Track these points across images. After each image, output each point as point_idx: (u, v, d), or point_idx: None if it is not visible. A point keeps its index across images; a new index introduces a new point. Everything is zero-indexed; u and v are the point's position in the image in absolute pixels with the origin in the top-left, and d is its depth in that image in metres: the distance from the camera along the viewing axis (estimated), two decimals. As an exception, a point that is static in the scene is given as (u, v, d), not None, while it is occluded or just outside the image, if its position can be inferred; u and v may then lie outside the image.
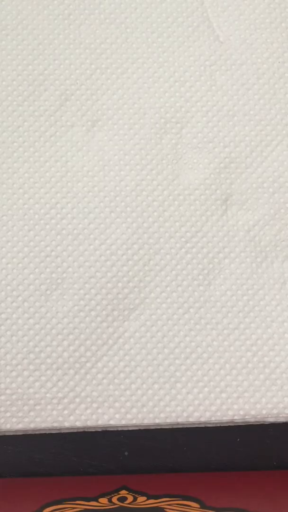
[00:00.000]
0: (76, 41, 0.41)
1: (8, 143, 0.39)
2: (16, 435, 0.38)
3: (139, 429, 0.38)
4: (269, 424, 0.38)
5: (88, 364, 0.37)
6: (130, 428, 0.37)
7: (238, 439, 0.38)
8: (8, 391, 0.37)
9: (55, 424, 0.37)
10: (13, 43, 0.41)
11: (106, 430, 0.38)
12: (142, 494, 0.36)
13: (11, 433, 0.37)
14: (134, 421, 0.37)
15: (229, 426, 0.38)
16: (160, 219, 0.39)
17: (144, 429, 0.38)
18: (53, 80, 0.40)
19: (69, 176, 0.39)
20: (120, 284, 0.38)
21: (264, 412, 0.37)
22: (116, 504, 0.35)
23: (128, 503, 0.35)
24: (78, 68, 0.40)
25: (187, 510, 0.34)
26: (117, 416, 0.37)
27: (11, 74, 0.40)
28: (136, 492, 0.36)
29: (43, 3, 0.41)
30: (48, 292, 0.38)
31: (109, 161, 0.39)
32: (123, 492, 0.36)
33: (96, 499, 0.35)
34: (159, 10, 0.41)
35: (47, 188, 0.39)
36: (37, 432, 0.37)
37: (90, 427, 0.37)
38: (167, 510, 0.34)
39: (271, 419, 0.37)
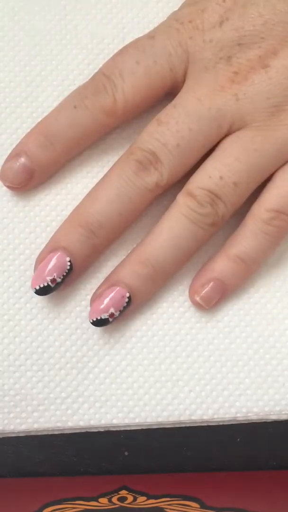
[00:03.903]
0: (73, 41, 0.40)
1: (6, 145, 0.39)
2: (17, 435, 0.38)
3: (139, 429, 0.38)
4: (269, 424, 0.38)
5: (91, 364, 0.38)
6: (133, 427, 0.38)
7: (238, 439, 0.38)
8: (11, 392, 0.37)
9: (59, 424, 0.37)
10: (10, 44, 0.40)
11: (106, 430, 0.38)
12: (142, 494, 0.36)
13: (13, 435, 0.38)
14: (137, 420, 0.37)
15: (229, 426, 0.38)
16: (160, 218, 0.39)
17: (144, 429, 0.38)
18: (50, 81, 0.40)
19: (68, 178, 0.39)
20: (121, 284, 0.38)
21: (266, 409, 0.37)
22: (116, 504, 0.35)
23: (128, 503, 0.35)
24: (76, 68, 0.40)
25: (187, 510, 0.35)
26: (120, 415, 0.37)
27: (9, 76, 0.40)
28: (136, 492, 0.36)
29: (40, 4, 0.41)
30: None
31: (108, 162, 0.39)
32: (123, 492, 0.36)
33: (96, 499, 0.36)
34: (156, 10, 0.41)
35: (46, 190, 0.39)
36: (39, 433, 0.38)
37: (93, 427, 0.37)
38: (167, 510, 0.34)
39: (274, 417, 0.37)
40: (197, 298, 0.37)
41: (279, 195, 0.36)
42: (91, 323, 0.36)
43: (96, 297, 0.37)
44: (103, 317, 0.36)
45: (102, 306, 0.36)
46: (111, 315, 0.36)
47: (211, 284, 0.37)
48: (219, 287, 0.37)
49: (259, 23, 0.35)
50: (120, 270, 0.37)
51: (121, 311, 0.36)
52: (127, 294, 0.36)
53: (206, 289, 0.37)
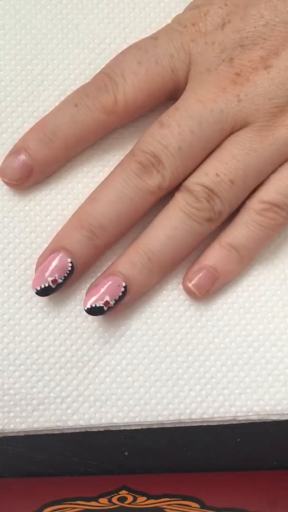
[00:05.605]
0: (75, 41, 0.41)
1: (7, 145, 0.39)
2: (17, 435, 0.38)
3: (139, 429, 0.38)
4: (269, 424, 0.38)
5: (91, 363, 0.38)
6: (133, 427, 0.38)
7: (238, 439, 0.38)
8: (11, 391, 0.37)
9: (59, 424, 0.37)
10: (11, 43, 0.40)
11: (106, 430, 0.38)
12: (142, 494, 0.36)
13: (13, 434, 0.38)
14: (137, 419, 0.37)
15: (229, 425, 0.38)
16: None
17: (144, 429, 0.38)
18: (51, 80, 0.40)
19: (69, 177, 0.39)
20: (121, 283, 0.38)
21: (267, 408, 0.37)
22: (116, 504, 0.35)
23: (128, 503, 0.35)
24: (77, 68, 0.40)
25: (187, 510, 0.34)
26: (120, 414, 0.37)
27: (10, 75, 0.40)
28: (136, 492, 0.36)
29: (41, 2, 0.41)
30: (50, 292, 0.38)
31: (109, 162, 0.39)
32: (123, 492, 0.36)
33: (96, 499, 0.36)
34: (158, 10, 0.41)
35: (47, 189, 0.39)
36: (39, 433, 0.38)
37: (93, 426, 0.37)
38: (167, 510, 0.34)
39: (275, 417, 0.37)
40: (190, 285, 0.38)
41: (275, 190, 0.36)
42: (86, 311, 0.36)
43: (92, 287, 0.37)
44: (97, 305, 0.36)
45: (97, 294, 0.36)
46: (106, 303, 0.36)
47: (203, 271, 0.38)
48: (211, 274, 0.37)
49: (260, 24, 0.36)
50: (117, 261, 0.37)
51: (116, 300, 0.36)
52: (123, 284, 0.36)
53: (198, 276, 0.38)
